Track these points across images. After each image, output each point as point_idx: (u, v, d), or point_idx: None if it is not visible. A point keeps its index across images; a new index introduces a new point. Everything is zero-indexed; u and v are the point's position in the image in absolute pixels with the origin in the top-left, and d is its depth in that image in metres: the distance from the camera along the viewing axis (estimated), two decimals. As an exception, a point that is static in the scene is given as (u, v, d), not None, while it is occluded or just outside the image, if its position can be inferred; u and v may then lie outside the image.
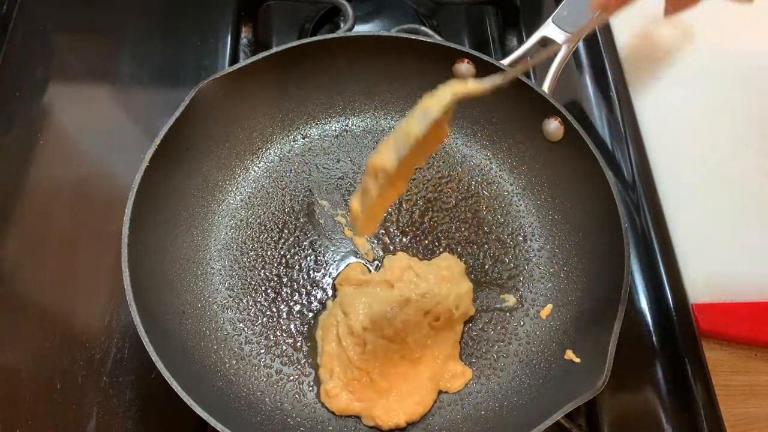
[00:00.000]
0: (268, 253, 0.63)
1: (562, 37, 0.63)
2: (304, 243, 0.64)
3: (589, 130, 0.62)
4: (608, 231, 0.57)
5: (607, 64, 0.75)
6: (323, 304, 0.61)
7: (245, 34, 0.80)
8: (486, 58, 0.63)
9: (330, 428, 0.55)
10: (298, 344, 0.59)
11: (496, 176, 0.68)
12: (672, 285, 0.63)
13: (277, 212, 0.65)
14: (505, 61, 0.64)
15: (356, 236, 0.64)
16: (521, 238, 0.65)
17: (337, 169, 0.68)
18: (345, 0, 0.75)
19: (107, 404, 0.56)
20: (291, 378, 0.57)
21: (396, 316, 0.57)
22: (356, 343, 0.56)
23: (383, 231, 0.65)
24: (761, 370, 0.62)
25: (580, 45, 0.77)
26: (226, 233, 0.64)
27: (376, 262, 0.63)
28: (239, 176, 0.66)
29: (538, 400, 0.54)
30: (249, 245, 0.63)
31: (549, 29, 0.64)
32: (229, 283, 0.61)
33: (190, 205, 0.63)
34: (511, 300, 0.62)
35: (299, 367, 0.58)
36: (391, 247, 0.64)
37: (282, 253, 0.63)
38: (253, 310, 0.60)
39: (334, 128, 0.70)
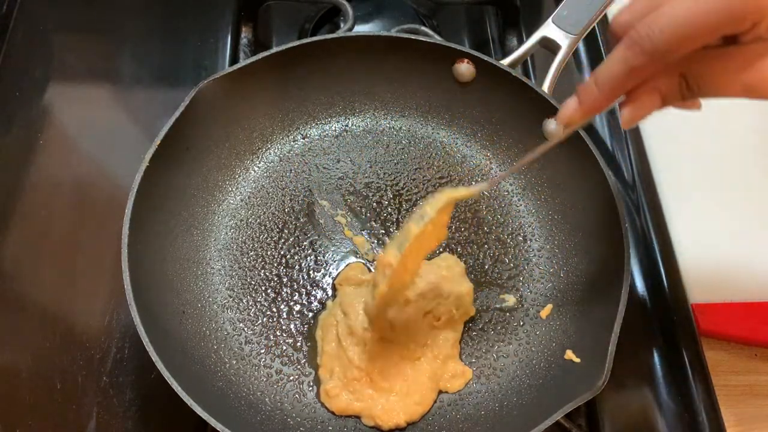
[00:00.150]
0: (268, 253, 0.63)
1: (562, 37, 0.63)
2: (304, 243, 0.64)
3: (589, 130, 0.62)
4: (608, 231, 0.57)
5: (607, 64, 0.75)
6: (323, 304, 0.61)
7: (245, 34, 0.80)
8: (486, 58, 0.63)
9: (330, 428, 0.55)
10: (298, 344, 0.59)
11: (496, 176, 0.68)
12: (672, 285, 0.63)
13: (277, 212, 0.65)
14: (505, 61, 0.64)
15: (355, 237, 0.65)
16: (521, 238, 0.65)
17: (337, 169, 0.68)
18: (345, 0, 0.75)
19: (107, 404, 0.56)
20: (291, 378, 0.57)
21: (396, 315, 0.57)
22: (356, 343, 0.56)
23: (383, 231, 0.65)
24: (761, 370, 0.62)
25: (580, 45, 0.77)
26: (226, 233, 0.64)
27: (376, 262, 0.63)
28: (239, 176, 0.66)
29: (538, 400, 0.54)
30: (249, 245, 0.63)
31: (549, 29, 0.64)
32: (229, 283, 0.61)
33: (190, 205, 0.63)
34: (511, 300, 0.62)
35: (299, 367, 0.58)
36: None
37: (282, 253, 0.63)
38: (253, 310, 0.60)
39: (334, 128, 0.70)
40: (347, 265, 0.63)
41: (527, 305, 0.61)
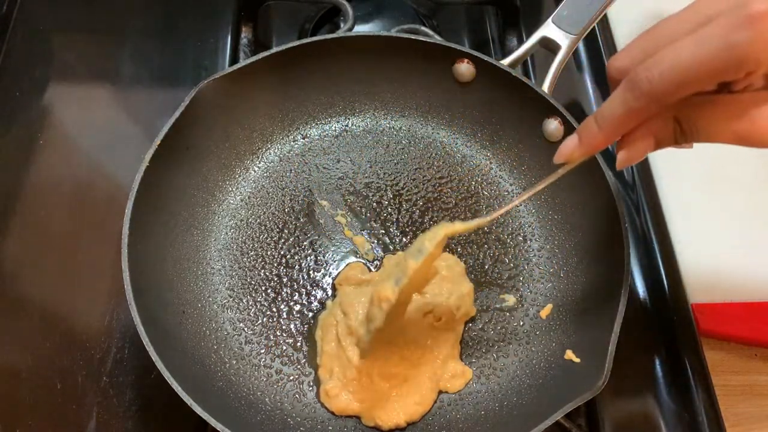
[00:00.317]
0: (268, 253, 0.63)
1: (562, 37, 0.63)
2: (304, 243, 0.64)
3: (589, 130, 0.62)
4: (608, 231, 0.57)
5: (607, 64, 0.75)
6: (323, 304, 0.61)
7: (245, 34, 0.80)
8: (486, 58, 0.63)
9: (330, 428, 0.55)
10: (298, 344, 0.59)
11: (496, 176, 0.68)
12: (672, 285, 0.63)
13: (277, 212, 0.65)
14: (505, 61, 0.64)
15: (355, 237, 0.65)
16: (521, 238, 0.65)
17: (337, 169, 0.68)
18: (345, 0, 0.75)
19: (107, 404, 0.56)
20: (291, 378, 0.57)
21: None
22: (356, 343, 0.56)
23: (383, 231, 0.65)
24: (761, 370, 0.62)
25: (580, 45, 0.77)
26: (226, 233, 0.64)
27: (376, 262, 0.63)
28: (239, 176, 0.66)
29: (538, 400, 0.54)
30: (249, 245, 0.63)
31: (549, 29, 0.64)
32: (229, 283, 0.61)
33: (190, 205, 0.63)
34: (511, 300, 0.62)
35: (299, 367, 0.58)
36: (391, 247, 0.64)
37: (282, 253, 0.63)
38: (253, 310, 0.60)
39: (334, 128, 0.70)
40: (347, 265, 0.63)
41: (527, 305, 0.61)
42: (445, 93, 0.68)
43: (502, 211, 0.50)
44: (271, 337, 0.59)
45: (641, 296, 0.63)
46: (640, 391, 0.59)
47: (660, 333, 0.61)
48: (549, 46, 0.64)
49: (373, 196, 0.67)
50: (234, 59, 0.76)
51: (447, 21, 0.82)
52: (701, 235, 0.66)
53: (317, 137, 0.70)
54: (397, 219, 0.66)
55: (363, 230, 0.65)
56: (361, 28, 0.80)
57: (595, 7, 0.63)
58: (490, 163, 0.69)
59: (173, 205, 0.61)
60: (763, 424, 0.60)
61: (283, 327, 0.60)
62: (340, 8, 0.76)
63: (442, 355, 0.57)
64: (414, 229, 0.65)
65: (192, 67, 0.75)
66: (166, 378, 0.48)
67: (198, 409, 0.47)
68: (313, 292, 0.61)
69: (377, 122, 0.71)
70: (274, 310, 0.60)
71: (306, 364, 0.58)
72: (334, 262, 0.63)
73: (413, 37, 0.65)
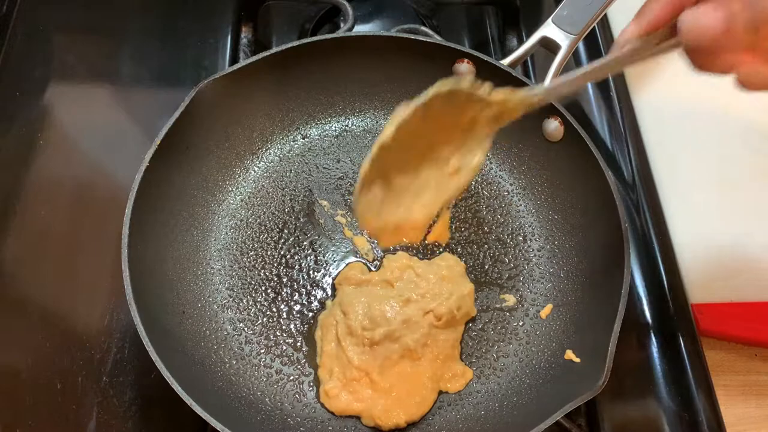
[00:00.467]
0: (268, 253, 0.63)
1: (563, 37, 0.63)
2: (304, 243, 0.64)
3: (589, 130, 0.62)
4: (608, 231, 0.57)
5: (607, 64, 0.75)
6: (323, 304, 0.61)
7: (245, 34, 0.80)
8: (486, 58, 0.63)
9: (330, 428, 0.55)
10: (298, 344, 0.59)
11: (496, 176, 0.68)
12: (672, 285, 0.63)
13: (277, 212, 0.65)
14: (505, 61, 0.64)
15: (355, 237, 0.65)
16: (521, 238, 0.65)
17: (337, 169, 0.68)
18: (345, 0, 0.75)
19: (107, 404, 0.56)
20: (291, 378, 0.57)
21: (396, 315, 0.57)
22: (355, 343, 0.56)
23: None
24: (761, 370, 0.62)
25: (580, 45, 0.77)
26: (226, 233, 0.64)
27: (375, 262, 0.63)
28: (239, 176, 0.66)
29: (538, 400, 0.54)
30: (249, 245, 0.63)
31: (549, 29, 0.64)
32: (229, 283, 0.61)
33: (190, 205, 0.63)
34: (511, 300, 0.62)
35: (299, 367, 0.58)
36: (391, 247, 0.64)
37: (282, 253, 0.63)
38: (253, 310, 0.60)
39: (334, 128, 0.70)
40: (347, 265, 0.63)
41: (527, 305, 0.61)
42: (445, 93, 0.68)
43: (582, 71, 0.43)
44: (271, 337, 0.59)
45: (641, 296, 0.63)
46: (640, 391, 0.59)
47: (660, 333, 0.61)
48: (549, 46, 0.64)
49: (373, 196, 0.67)
50: (234, 59, 0.76)
51: (447, 21, 0.82)
52: (701, 235, 0.66)
53: (317, 137, 0.70)
54: (397, 219, 0.66)
55: (363, 230, 0.65)
56: (361, 28, 0.80)
57: (595, 7, 0.63)
58: (490, 163, 0.69)
59: (173, 205, 0.61)
60: (763, 424, 0.60)
61: (283, 327, 0.60)
62: (340, 8, 0.76)
63: (442, 355, 0.57)
64: (414, 229, 0.65)
65: (192, 67, 0.75)
66: (166, 378, 0.48)
67: (198, 409, 0.47)
68: (313, 292, 0.61)
69: (377, 122, 0.71)
70: (274, 310, 0.60)
71: (306, 364, 0.58)
72: (334, 262, 0.63)
73: (413, 37, 0.65)
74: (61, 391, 0.56)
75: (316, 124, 0.70)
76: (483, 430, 0.55)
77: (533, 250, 0.64)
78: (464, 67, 0.64)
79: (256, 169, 0.67)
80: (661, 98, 0.75)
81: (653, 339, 0.61)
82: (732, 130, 0.73)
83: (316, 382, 0.57)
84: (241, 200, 0.66)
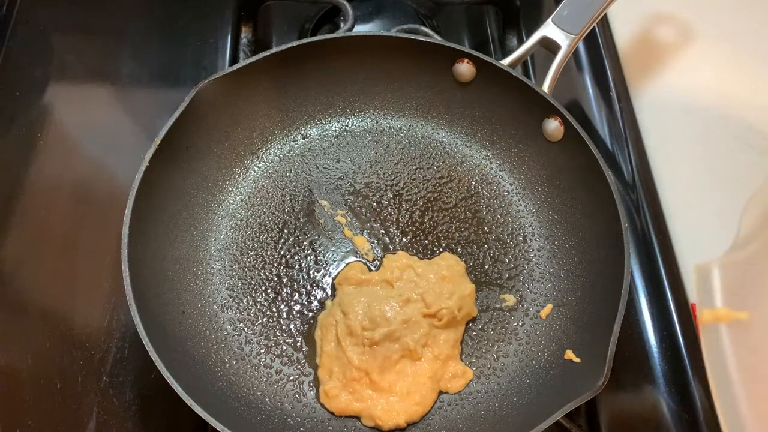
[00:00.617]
0: (268, 253, 0.63)
1: (563, 37, 0.63)
2: (304, 243, 0.64)
3: (589, 130, 0.62)
4: (608, 231, 0.57)
5: (607, 64, 0.75)
6: (323, 304, 0.61)
7: (245, 34, 0.80)
8: (486, 58, 0.63)
9: (330, 428, 0.55)
10: (298, 344, 0.59)
11: (496, 176, 0.68)
12: (672, 285, 0.63)
13: (277, 212, 0.65)
14: (505, 61, 0.64)
15: (355, 237, 0.65)
16: (521, 238, 0.65)
17: (337, 169, 0.68)
18: (345, 0, 0.75)
19: (107, 404, 0.56)
20: (291, 378, 0.57)
21: (396, 315, 0.57)
22: (355, 343, 0.56)
23: (383, 231, 0.65)
24: (761, 370, 0.62)
25: (580, 45, 0.77)
26: (226, 233, 0.64)
27: (375, 262, 0.63)
28: (239, 176, 0.66)
29: (538, 400, 0.54)
30: (249, 245, 0.63)
31: (549, 29, 0.64)
32: (229, 283, 0.61)
33: (190, 205, 0.63)
34: (511, 300, 0.62)
35: (299, 367, 0.58)
36: (391, 247, 0.64)
37: (282, 253, 0.63)
38: (253, 310, 0.60)
39: (334, 128, 0.70)
40: (347, 265, 0.63)
41: (527, 305, 0.61)
42: (445, 93, 0.68)
43: None
44: (271, 337, 0.59)
45: (641, 296, 0.63)
46: (641, 391, 0.59)
47: (660, 333, 0.61)
48: (549, 46, 0.64)
49: (373, 196, 0.67)
50: (234, 59, 0.76)
51: (447, 21, 0.82)
52: (701, 235, 0.66)
53: (317, 137, 0.70)
54: (397, 219, 0.66)
55: (363, 230, 0.65)
56: (361, 28, 0.80)
57: (595, 7, 0.63)
58: (490, 163, 0.69)
59: (173, 205, 0.61)
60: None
61: (283, 327, 0.60)
62: (340, 8, 0.76)
63: (442, 355, 0.57)
64: (414, 228, 0.65)
65: (192, 67, 0.75)
66: (166, 378, 0.48)
67: (198, 409, 0.47)
68: (313, 292, 0.61)
69: (377, 122, 0.71)
70: (274, 310, 0.60)
71: (306, 364, 0.58)
72: (334, 262, 0.63)
73: (413, 37, 0.65)
74: (61, 391, 0.56)
75: (316, 124, 0.70)
76: (483, 430, 0.55)
77: (533, 250, 0.64)
78: (464, 67, 0.64)
79: (256, 169, 0.67)
80: (661, 98, 0.75)
81: (653, 339, 0.61)
82: (732, 130, 0.73)
83: (316, 382, 0.57)
84: (241, 200, 0.66)
